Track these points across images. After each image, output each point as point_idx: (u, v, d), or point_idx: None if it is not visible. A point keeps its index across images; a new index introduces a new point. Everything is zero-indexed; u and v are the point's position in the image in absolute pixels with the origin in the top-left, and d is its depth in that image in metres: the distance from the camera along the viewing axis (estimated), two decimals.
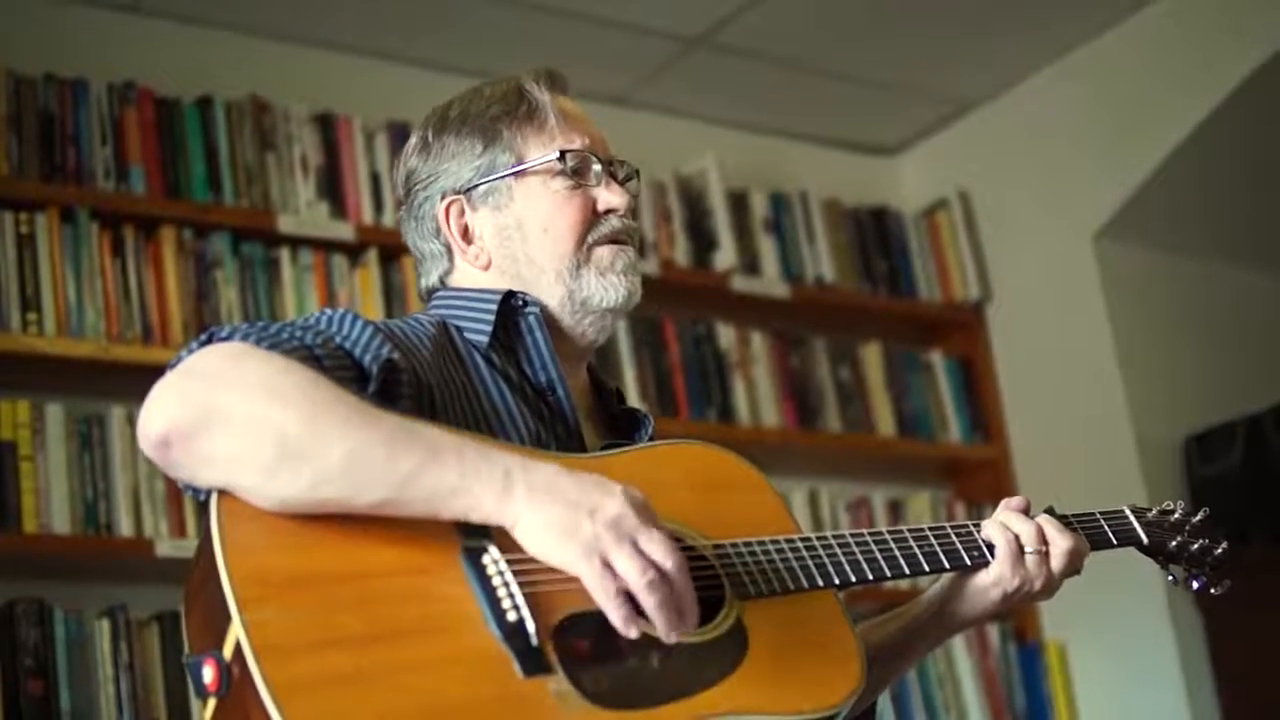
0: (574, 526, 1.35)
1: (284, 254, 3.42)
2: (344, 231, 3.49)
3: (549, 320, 1.71)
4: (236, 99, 3.48)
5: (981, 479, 4.30)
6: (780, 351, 4.10)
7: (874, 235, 4.38)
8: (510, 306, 1.70)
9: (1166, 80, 4.07)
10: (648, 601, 1.34)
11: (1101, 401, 4.11)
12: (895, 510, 4.14)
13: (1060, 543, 1.71)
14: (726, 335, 4.01)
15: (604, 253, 1.72)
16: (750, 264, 4.10)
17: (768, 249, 4.15)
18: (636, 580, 1.34)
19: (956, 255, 4.44)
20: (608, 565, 1.34)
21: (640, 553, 1.35)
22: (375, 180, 3.60)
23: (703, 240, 4.06)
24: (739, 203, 4.15)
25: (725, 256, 4.04)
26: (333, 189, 3.53)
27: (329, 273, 3.46)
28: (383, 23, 3.76)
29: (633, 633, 1.35)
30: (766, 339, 4.08)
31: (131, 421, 3.13)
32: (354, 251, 3.52)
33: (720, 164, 4.11)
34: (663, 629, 1.36)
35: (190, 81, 3.47)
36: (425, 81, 3.85)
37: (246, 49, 3.70)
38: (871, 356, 4.25)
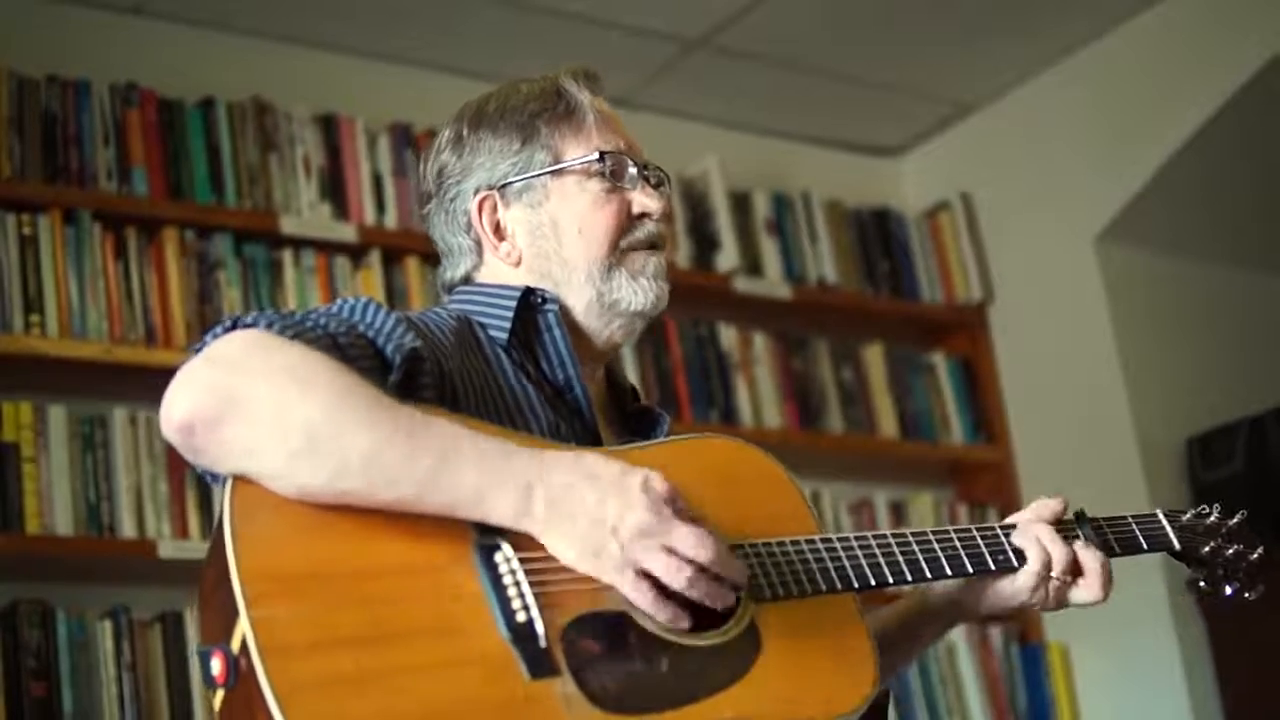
0: (600, 546, 1.38)
1: (286, 255, 3.42)
2: (346, 233, 3.49)
3: (568, 319, 1.71)
4: (239, 100, 3.48)
5: (984, 480, 4.30)
6: (782, 352, 4.10)
7: (876, 236, 4.38)
8: (529, 303, 1.70)
9: (1168, 82, 4.07)
10: (692, 595, 1.39)
11: (1103, 403, 4.11)
12: (897, 512, 4.14)
13: (1092, 587, 1.70)
14: (728, 336, 4.01)
15: (637, 257, 1.72)
16: (752, 265, 4.10)
17: (770, 250, 4.15)
18: (674, 582, 1.38)
19: (958, 256, 4.44)
20: (642, 573, 1.38)
21: (673, 553, 1.38)
22: (378, 181, 3.60)
23: (705, 241, 4.06)
24: (741, 204, 4.15)
25: (727, 257, 4.05)
26: (335, 190, 3.53)
27: (331, 274, 3.46)
28: (385, 25, 3.76)
29: (683, 624, 1.39)
30: (768, 340, 4.08)
31: (134, 423, 3.13)
32: (356, 253, 3.52)
33: (722, 165, 4.11)
34: (715, 605, 1.41)
35: (192, 83, 3.48)
36: (427, 83, 3.86)
37: (249, 51, 3.70)
38: (873, 358, 4.25)
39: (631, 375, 3.77)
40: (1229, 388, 4.19)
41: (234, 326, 1.43)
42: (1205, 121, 3.98)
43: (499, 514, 1.37)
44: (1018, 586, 1.69)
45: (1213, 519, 1.86)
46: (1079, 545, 1.71)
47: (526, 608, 1.36)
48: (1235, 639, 3.88)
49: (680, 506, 1.41)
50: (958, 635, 3.93)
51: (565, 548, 1.38)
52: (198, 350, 1.42)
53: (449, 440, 1.37)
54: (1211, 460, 4.01)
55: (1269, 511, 3.85)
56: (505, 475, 1.37)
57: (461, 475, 1.36)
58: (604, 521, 1.37)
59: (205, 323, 3.25)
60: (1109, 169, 4.17)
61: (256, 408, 1.35)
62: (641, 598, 1.38)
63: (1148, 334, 4.19)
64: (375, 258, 3.51)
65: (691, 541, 1.38)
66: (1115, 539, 1.76)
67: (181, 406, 1.37)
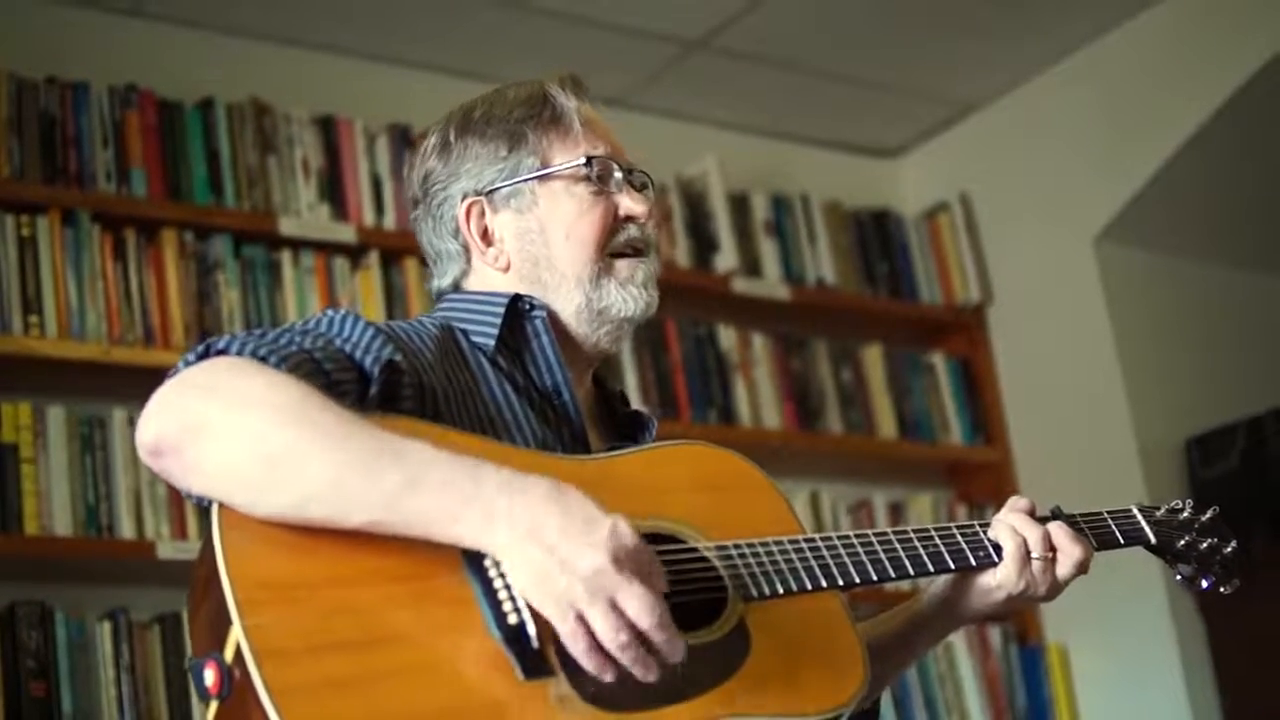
0: (548, 578, 1.32)
1: (285, 256, 3.42)
2: (345, 234, 3.49)
3: (556, 325, 1.71)
4: (238, 102, 3.48)
5: (983, 481, 4.30)
6: (781, 353, 4.10)
7: (875, 237, 4.38)
8: (517, 310, 1.70)
9: (1167, 83, 4.07)
10: (621, 659, 1.33)
11: (1102, 404, 4.11)
12: (896, 512, 4.14)
13: (1071, 552, 1.71)
14: (728, 337, 4.01)
15: (624, 264, 1.73)
16: (751, 266, 4.10)
17: (769, 251, 4.15)
18: (609, 641, 1.32)
19: (957, 257, 4.44)
20: (581, 619, 1.32)
21: (616, 611, 1.32)
22: (376, 183, 3.60)
23: (704, 242, 4.07)
24: (740, 205, 4.16)
25: (726, 258, 4.05)
26: (334, 191, 3.54)
27: (330, 275, 3.47)
28: (384, 26, 3.76)
29: (607, 678, 1.34)
30: (768, 341, 4.08)
31: (133, 424, 3.08)
32: (355, 254, 3.53)
33: (721, 166, 4.12)
34: (640, 677, 1.35)
35: (191, 84, 3.48)
36: (426, 85, 3.86)
37: (248, 52, 3.70)
38: (872, 358, 4.26)
39: (630, 376, 3.77)
40: (1228, 388, 4.20)
41: (208, 351, 1.44)
42: (1205, 121, 3.98)
43: (462, 536, 1.36)
44: (1002, 577, 1.70)
45: (1186, 514, 1.89)
46: (1052, 525, 1.73)
47: (518, 610, 1.37)
48: (1234, 639, 3.88)
49: (644, 558, 1.36)
50: (956, 635, 3.93)
51: (518, 571, 1.34)
52: (171, 376, 1.43)
53: (414, 465, 1.36)
54: (1210, 460, 4.01)
55: (1267, 511, 3.85)
56: (472, 498, 1.35)
57: (425, 501, 1.35)
58: (559, 553, 1.32)
59: (204, 324, 3.26)
60: (1109, 169, 4.18)
61: (220, 434, 1.37)
62: (574, 643, 1.33)
63: (1147, 334, 4.19)
64: (374, 259, 3.52)
65: (639, 604, 1.32)
66: (1091, 533, 1.78)
67: (150, 431, 1.40)
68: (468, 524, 1.35)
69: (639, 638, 1.33)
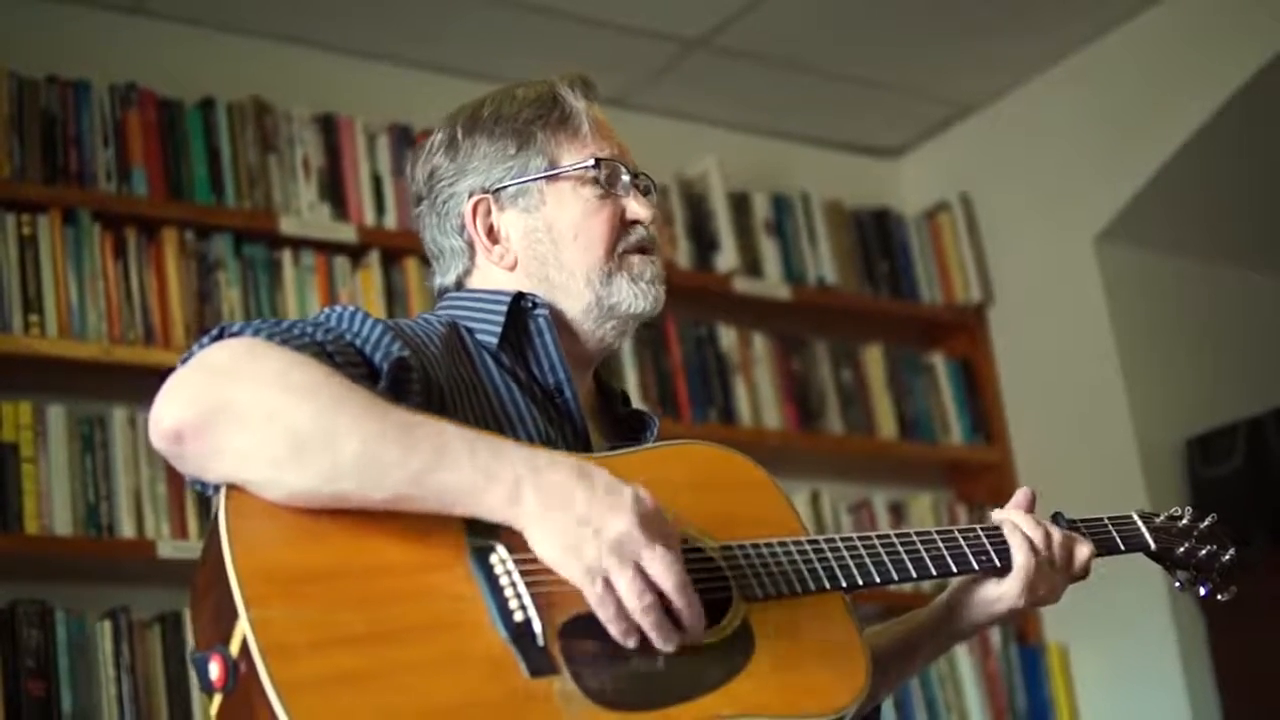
0: (578, 545, 1.36)
1: (286, 255, 3.43)
2: (346, 233, 3.50)
3: (559, 323, 1.72)
4: (238, 101, 3.48)
5: (983, 481, 4.30)
6: (782, 353, 4.10)
7: (875, 237, 4.38)
8: (520, 308, 1.71)
9: (1168, 82, 4.07)
10: (643, 622, 1.37)
11: (1103, 404, 4.11)
12: (897, 512, 4.14)
13: (1059, 544, 1.72)
14: (728, 337, 4.01)
15: (636, 261, 1.74)
16: (752, 266, 4.10)
17: (769, 251, 4.15)
18: (633, 604, 1.36)
19: (958, 257, 4.44)
20: (609, 585, 1.36)
21: (641, 574, 1.37)
22: (377, 182, 3.60)
23: (704, 242, 4.07)
24: (740, 204, 4.16)
25: (727, 258, 4.05)
26: (334, 191, 3.54)
27: (331, 274, 3.47)
28: (384, 25, 3.76)
29: (631, 644, 1.38)
30: (768, 341, 4.08)
31: (133, 423, 3.13)
32: (356, 253, 3.53)
33: (721, 166, 4.12)
34: (659, 645, 1.39)
35: (192, 83, 3.48)
36: (426, 84, 3.86)
37: (248, 51, 3.70)
38: (873, 358, 4.26)
39: (630, 376, 3.77)
40: (1228, 388, 4.20)
41: (221, 335, 1.44)
42: (1205, 121, 3.98)
43: (489, 507, 1.38)
44: (1006, 589, 1.71)
45: (1185, 521, 1.90)
46: (1044, 523, 1.75)
47: (524, 608, 1.37)
48: (1234, 639, 3.88)
49: (665, 524, 1.41)
50: None
51: (546, 542, 1.37)
52: (186, 360, 1.42)
53: (440, 439, 1.37)
54: (1211, 460, 4.01)
55: (1268, 512, 3.85)
56: (497, 470, 1.37)
57: (453, 472, 1.36)
58: (589, 522, 1.36)
59: (204, 323, 3.26)
60: (1109, 169, 4.18)
61: (245, 413, 1.35)
62: (604, 608, 1.37)
63: (1147, 334, 4.19)
64: (374, 258, 3.52)
65: (661, 566, 1.37)
66: (1091, 539, 1.79)
67: (169, 414, 1.37)
68: (495, 496, 1.37)
69: (661, 601, 1.37)
